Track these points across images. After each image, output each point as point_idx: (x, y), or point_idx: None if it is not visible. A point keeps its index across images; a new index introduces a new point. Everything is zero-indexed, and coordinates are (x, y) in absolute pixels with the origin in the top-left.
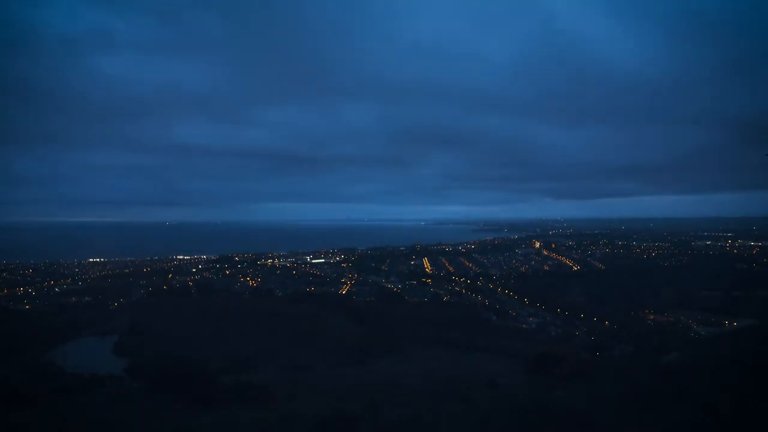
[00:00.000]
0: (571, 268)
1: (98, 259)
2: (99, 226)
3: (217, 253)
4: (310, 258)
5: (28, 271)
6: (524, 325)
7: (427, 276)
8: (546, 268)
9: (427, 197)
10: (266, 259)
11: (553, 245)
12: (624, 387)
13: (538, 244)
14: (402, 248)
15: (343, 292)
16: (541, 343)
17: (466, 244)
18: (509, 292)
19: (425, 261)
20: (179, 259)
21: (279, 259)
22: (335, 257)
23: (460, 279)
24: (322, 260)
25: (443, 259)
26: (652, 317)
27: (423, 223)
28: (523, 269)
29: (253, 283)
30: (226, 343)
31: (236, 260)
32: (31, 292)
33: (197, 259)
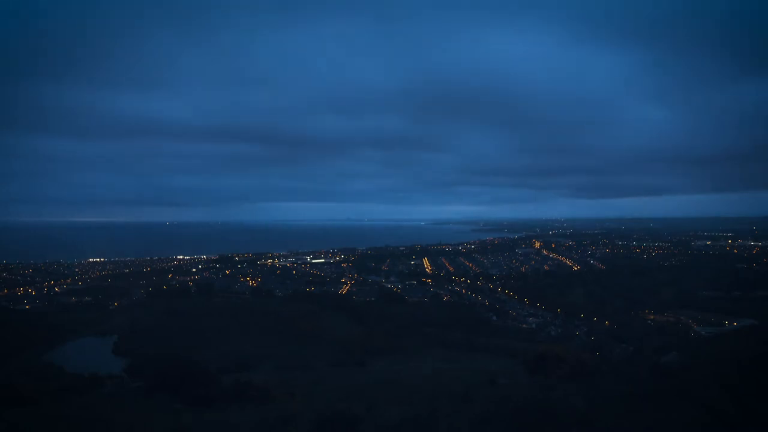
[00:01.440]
0: (571, 268)
1: (98, 259)
2: (99, 226)
3: (217, 253)
4: (310, 258)
5: (28, 271)
6: (524, 325)
7: (427, 276)
8: (546, 268)
9: (429, 196)
10: (266, 259)
11: (553, 245)
12: (624, 387)
13: (538, 244)
14: (402, 248)
15: (343, 292)
16: (541, 343)
17: (466, 244)
18: (509, 292)
19: (425, 261)
20: (179, 259)
21: (279, 259)
22: (335, 257)
23: (460, 279)
24: (322, 260)
25: (443, 259)
26: (652, 317)
27: (423, 223)
28: (523, 269)
29: (253, 283)
30: (226, 343)
31: (236, 260)
32: (31, 292)
33: (197, 259)
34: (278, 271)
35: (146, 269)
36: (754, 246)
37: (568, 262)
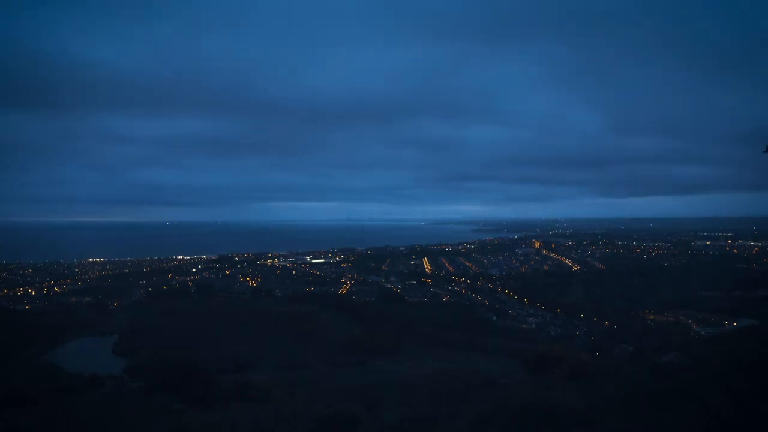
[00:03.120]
0: (571, 268)
1: (98, 259)
2: (99, 226)
3: (217, 253)
4: (310, 258)
5: (28, 271)
6: (524, 325)
7: (427, 276)
8: (546, 268)
9: (432, 194)
10: (266, 259)
11: (553, 245)
12: (624, 387)
13: (537, 244)
14: (402, 248)
15: (343, 292)
16: (541, 343)
17: (466, 244)
18: (509, 292)
19: (425, 261)
20: (179, 259)
21: (279, 259)
22: (335, 257)
23: (459, 279)
24: (322, 260)
25: (443, 259)
26: (652, 317)
27: (423, 223)
28: (522, 269)
29: (252, 283)
30: (226, 343)
31: (236, 260)
32: (31, 292)
33: (197, 259)
34: (278, 271)
35: (146, 269)
36: (754, 246)
37: (568, 262)
